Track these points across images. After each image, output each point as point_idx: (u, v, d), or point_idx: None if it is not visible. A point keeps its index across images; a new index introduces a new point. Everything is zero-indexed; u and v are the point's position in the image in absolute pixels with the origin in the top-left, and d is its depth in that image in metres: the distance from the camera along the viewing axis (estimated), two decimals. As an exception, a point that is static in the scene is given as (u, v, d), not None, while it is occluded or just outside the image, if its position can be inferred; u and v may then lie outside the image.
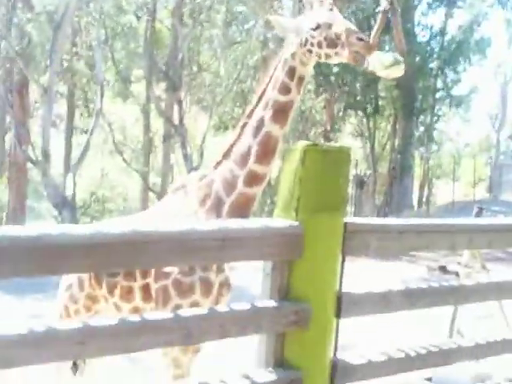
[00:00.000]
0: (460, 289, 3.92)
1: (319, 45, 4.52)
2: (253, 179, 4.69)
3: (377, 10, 5.61)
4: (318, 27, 4.51)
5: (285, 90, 4.66)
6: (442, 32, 34.47)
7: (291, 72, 4.65)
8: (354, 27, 4.49)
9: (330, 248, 2.88)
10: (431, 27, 34.49)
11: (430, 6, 34.22)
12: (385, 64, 4.47)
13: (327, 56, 4.55)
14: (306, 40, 4.56)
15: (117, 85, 30.54)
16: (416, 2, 33.17)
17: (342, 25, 4.51)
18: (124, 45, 28.69)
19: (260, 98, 4.77)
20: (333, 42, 4.47)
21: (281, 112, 4.66)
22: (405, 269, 18.21)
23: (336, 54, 4.50)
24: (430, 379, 4.46)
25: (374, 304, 3.25)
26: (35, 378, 6.20)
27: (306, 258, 2.79)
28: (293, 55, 4.65)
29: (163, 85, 29.16)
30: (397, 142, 33.02)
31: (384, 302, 3.29)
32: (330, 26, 4.50)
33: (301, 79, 4.69)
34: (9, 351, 2.22)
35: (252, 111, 4.78)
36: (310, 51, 4.56)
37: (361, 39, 4.41)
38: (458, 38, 34.77)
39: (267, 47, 28.10)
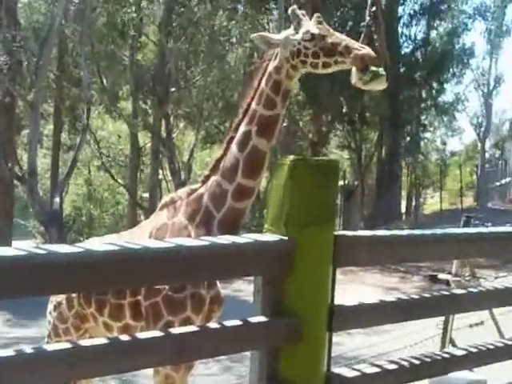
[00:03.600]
0: (451, 298, 3.91)
1: (315, 55, 4.48)
2: (242, 193, 4.67)
3: (362, 24, 5.63)
4: (312, 38, 4.49)
5: (270, 104, 4.62)
6: (425, 43, 34.75)
7: (276, 86, 4.61)
8: (348, 38, 4.49)
9: (320, 261, 2.87)
10: (414, 38, 34.78)
11: (412, 17, 34.46)
12: (364, 78, 4.46)
13: (326, 65, 4.50)
14: (299, 51, 4.52)
15: (104, 101, 30.43)
16: (399, 14, 33.36)
17: (336, 35, 4.51)
18: (110, 61, 28.62)
19: (245, 112, 4.73)
20: (331, 52, 4.44)
21: (267, 126, 4.64)
22: (397, 279, 18.25)
23: (336, 62, 4.47)
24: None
25: (367, 316, 3.23)
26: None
27: (297, 273, 2.78)
28: (278, 69, 4.60)
29: (150, 100, 29.18)
30: (384, 152, 33.10)
31: (377, 313, 3.27)
32: (324, 36, 4.48)
33: (286, 93, 4.66)
34: (-2, 375, 2.20)
35: (238, 125, 4.75)
36: (305, 62, 4.52)
37: (363, 47, 4.41)
38: (440, 49, 35.07)
39: (254, 61, 28.15)
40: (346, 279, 16.72)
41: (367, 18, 4.96)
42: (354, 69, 4.48)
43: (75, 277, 2.31)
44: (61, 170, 27.94)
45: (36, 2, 29.11)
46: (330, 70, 4.61)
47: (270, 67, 4.63)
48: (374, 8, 4.93)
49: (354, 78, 4.50)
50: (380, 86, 4.53)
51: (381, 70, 4.47)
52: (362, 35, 4.91)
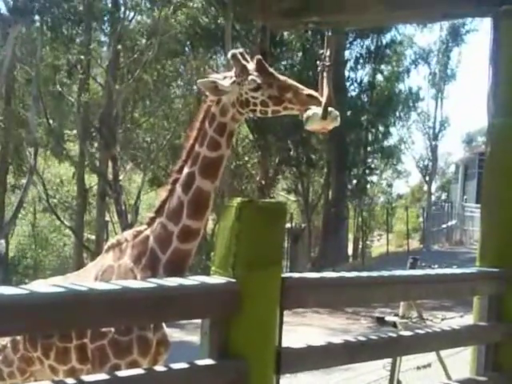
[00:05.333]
0: (399, 340, 3.93)
1: (264, 104, 4.51)
2: (187, 235, 4.66)
3: (319, 70, 5.66)
4: (259, 88, 4.52)
5: (214, 146, 4.61)
6: (372, 86, 35.18)
7: (221, 128, 4.60)
8: (296, 83, 4.52)
9: (267, 304, 2.87)
10: (361, 82, 35.20)
11: (358, 61, 34.92)
12: (308, 123, 4.47)
13: (275, 112, 4.55)
14: (247, 101, 4.53)
15: (50, 142, 30.19)
16: (346, 58, 33.77)
17: (283, 80, 4.53)
18: (57, 102, 28.45)
19: (189, 154, 4.72)
20: (279, 100, 4.48)
21: (211, 167, 4.64)
22: (346, 320, 18.27)
23: (285, 108, 4.51)
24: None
25: (314, 358, 3.23)
26: None
27: (244, 315, 2.78)
28: (223, 112, 4.61)
29: (97, 142, 29.04)
30: (330, 195, 33.28)
31: (324, 356, 3.28)
32: (270, 84, 4.51)
33: (231, 134, 4.67)
34: None
35: (182, 167, 4.75)
36: (254, 110, 4.55)
37: (311, 96, 4.44)
38: (386, 92, 35.58)
39: (201, 103, 28.18)
40: (293, 321, 16.70)
41: (324, 63, 4.93)
42: (304, 114, 4.48)
43: (20, 319, 2.28)
44: (6, 211, 27.59)
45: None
46: (279, 114, 4.64)
47: (214, 109, 4.63)
48: (328, 53, 4.92)
49: (305, 122, 4.50)
50: (320, 125, 4.51)
51: (318, 110, 4.45)
52: (322, 84, 4.87)
